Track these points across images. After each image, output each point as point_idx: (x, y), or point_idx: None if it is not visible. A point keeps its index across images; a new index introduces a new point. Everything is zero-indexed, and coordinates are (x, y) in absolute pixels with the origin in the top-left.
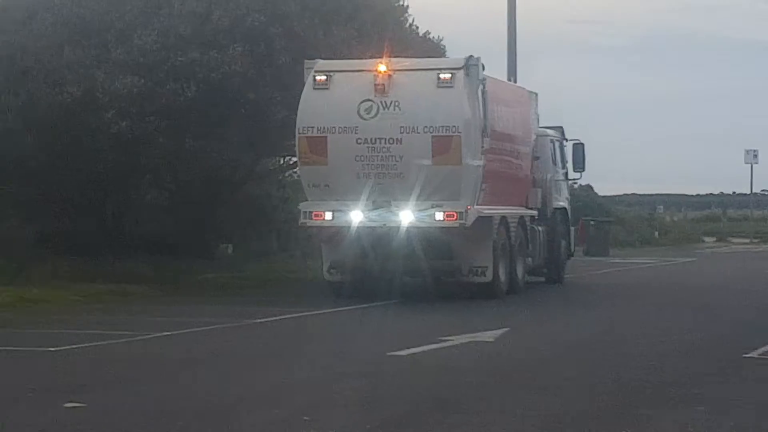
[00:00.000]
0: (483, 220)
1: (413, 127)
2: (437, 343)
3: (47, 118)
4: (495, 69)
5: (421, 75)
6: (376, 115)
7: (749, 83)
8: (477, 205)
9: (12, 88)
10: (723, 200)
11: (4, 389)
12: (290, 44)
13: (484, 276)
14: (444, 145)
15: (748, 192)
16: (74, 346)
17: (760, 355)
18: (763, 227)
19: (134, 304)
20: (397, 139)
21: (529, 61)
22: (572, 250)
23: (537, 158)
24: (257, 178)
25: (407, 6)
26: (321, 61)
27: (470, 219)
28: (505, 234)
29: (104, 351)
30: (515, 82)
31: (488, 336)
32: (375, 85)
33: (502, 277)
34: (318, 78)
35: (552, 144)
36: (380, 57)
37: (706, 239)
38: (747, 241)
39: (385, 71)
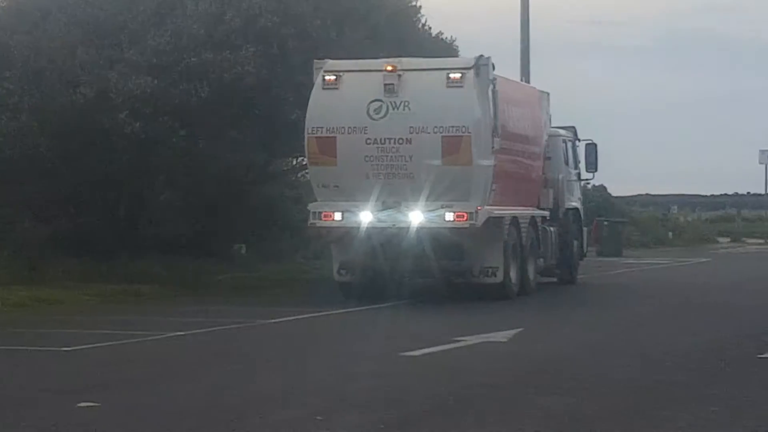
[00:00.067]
0: (493, 221)
1: (423, 127)
2: (450, 343)
3: (61, 118)
4: (509, 69)
5: (430, 75)
6: (385, 115)
7: (765, 84)
8: (487, 205)
9: (26, 88)
10: (737, 201)
11: (17, 389)
12: (303, 45)
13: (495, 277)
14: (454, 145)
15: (763, 192)
16: (88, 346)
17: None
18: None
19: (147, 304)
20: (406, 139)
21: (544, 61)
22: (585, 250)
23: (549, 158)
24: (270, 179)
25: (420, 6)
26: (330, 61)
27: (480, 219)
28: (516, 234)
29: (117, 351)
30: (528, 82)
31: (502, 336)
32: (384, 85)
33: (513, 277)
34: (327, 78)
35: (564, 144)
36: (392, 57)
37: (721, 240)
38: (762, 241)
39: (394, 71)
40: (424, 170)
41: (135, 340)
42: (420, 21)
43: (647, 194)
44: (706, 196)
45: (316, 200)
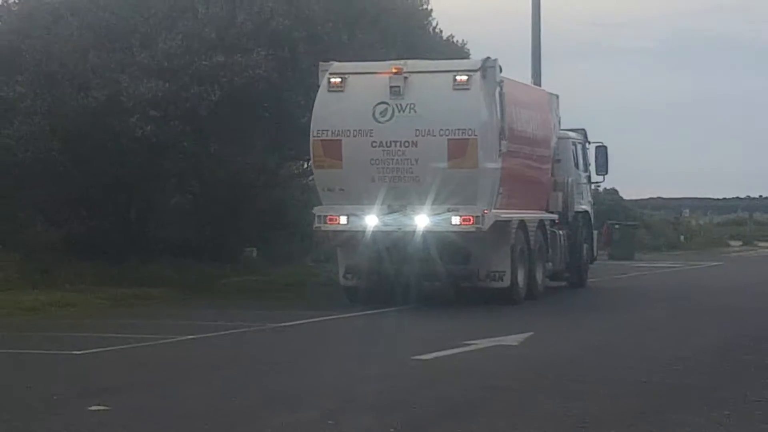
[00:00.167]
0: (500, 224)
1: (429, 130)
2: (461, 347)
3: (72, 122)
4: (520, 72)
5: (437, 77)
6: (391, 117)
7: None
8: (495, 208)
9: (38, 92)
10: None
11: (28, 392)
12: (314, 48)
13: (502, 281)
14: (460, 148)
15: None
16: (99, 350)
17: None
18: None
19: (158, 307)
20: (412, 142)
21: (555, 64)
22: (595, 254)
23: (558, 161)
24: (281, 182)
25: (431, 9)
26: (336, 64)
27: (487, 223)
28: (524, 238)
29: (129, 354)
30: (539, 85)
31: (512, 340)
32: (390, 87)
33: (521, 282)
34: (333, 80)
35: (574, 146)
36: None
37: (732, 243)
38: None
39: (400, 73)
40: (430, 173)
41: (146, 343)
42: (431, 24)
43: (659, 197)
44: (718, 199)
45: (321, 204)
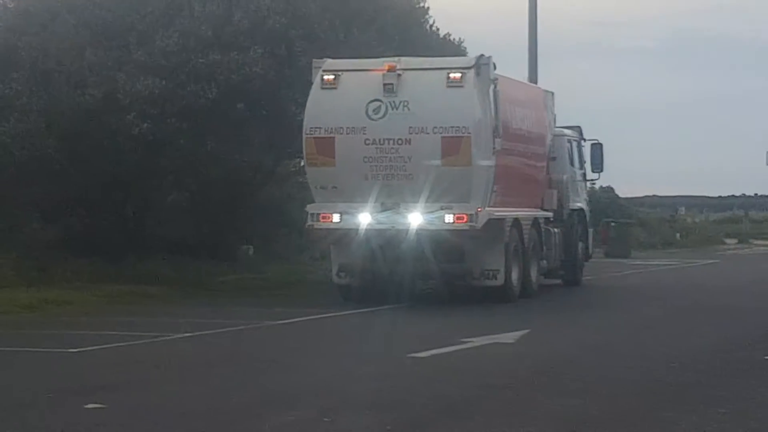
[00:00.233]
0: (494, 223)
1: (422, 128)
2: (458, 344)
3: (69, 119)
4: (518, 71)
5: (430, 74)
6: (384, 115)
7: None
8: (488, 206)
9: (34, 89)
10: (745, 202)
11: (25, 390)
12: (311, 46)
13: (496, 279)
14: (454, 146)
15: None
16: (96, 347)
17: None
18: None
19: (155, 305)
20: (406, 139)
21: (554, 63)
22: (590, 251)
23: (553, 158)
24: (278, 180)
25: (428, 8)
26: (329, 60)
27: (481, 221)
28: (518, 236)
29: (125, 352)
30: (536, 83)
31: (509, 338)
32: (384, 84)
33: (515, 280)
34: (326, 77)
35: (569, 144)
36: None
37: (728, 241)
38: None
39: (393, 70)
40: (423, 171)
41: (142, 341)
42: (428, 22)
43: (655, 195)
44: (713, 197)
45: (314, 201)
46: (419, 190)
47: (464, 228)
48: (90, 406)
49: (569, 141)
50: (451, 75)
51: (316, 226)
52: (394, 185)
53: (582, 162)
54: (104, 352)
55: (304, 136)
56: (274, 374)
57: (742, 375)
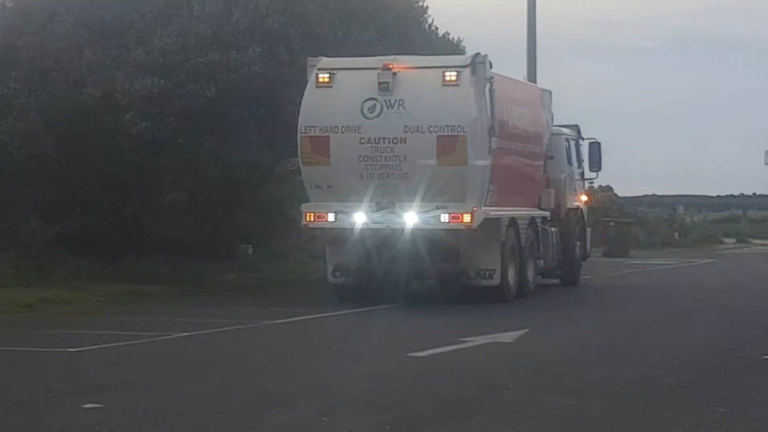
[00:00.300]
0: (490, 222)
1: (418, 127)
2: (456, 344)
3: (67, 119)
4: (517, 70)
5: (426, 73)
6: (379, 114)
7: None
8: (485, 206)
9: (32, 89)
10: (743, 201)
11: (24, 390)
12: (310, 45)
13: (492, 279)
14: (449, 145)
15: None
16: (94, 347)
17: None
18: None
19: (154, 304)
20: (401, 138)
21: (554, 63)
22: (588, 251)
23: (551, 157)
24: (277, 179)
25: (427, 7)
26: (324, 59)
27: (477, 221)
28: (515, 236)
29: (124, 352)
30: (535, 82)
31: (508, 337)
32: (379, 83)
33: (511, 280)
34: (321, 76)
35: (567, 143)
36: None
37: (726, 240)
38: (767, 242)
39: (389, 69)
40: (419, 170)
41: (141, 340)
42: (427, 21)
43: (653, 195)
44: (712, 196)
45: (309, 201)
46: (415, 189)
47: (460, 227)
48: (89, 405)
49: (567, 140)
50: (447, 74)
51: (311, 226)
52: (389, 184)
53: (580, 161)
54: (103, 351)
55: (298, 134)
56: (272, 374)
57: (742, 375)
